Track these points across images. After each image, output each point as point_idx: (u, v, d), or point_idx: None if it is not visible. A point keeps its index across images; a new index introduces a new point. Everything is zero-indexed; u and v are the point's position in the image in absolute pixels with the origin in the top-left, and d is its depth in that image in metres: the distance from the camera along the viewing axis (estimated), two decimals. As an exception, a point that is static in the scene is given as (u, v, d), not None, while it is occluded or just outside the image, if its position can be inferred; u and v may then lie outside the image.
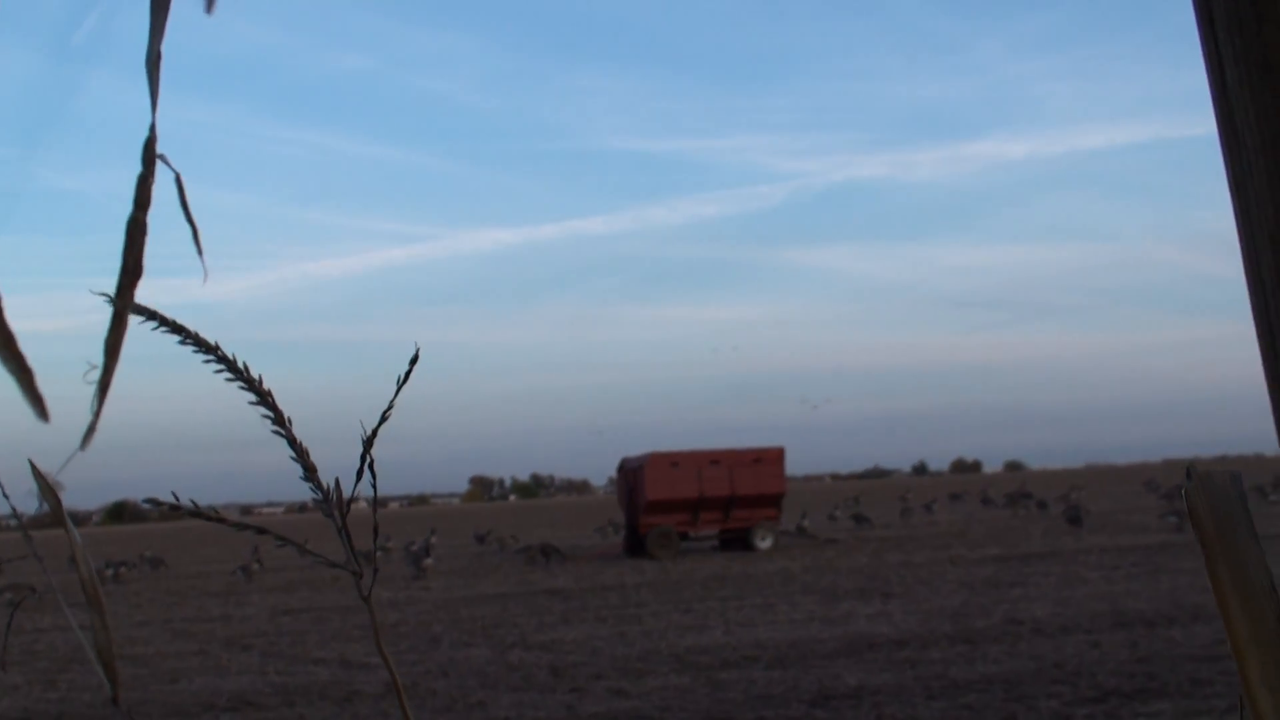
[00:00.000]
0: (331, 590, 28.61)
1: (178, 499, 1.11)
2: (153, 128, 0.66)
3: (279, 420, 1.17)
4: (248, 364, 1.19)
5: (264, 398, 1.18)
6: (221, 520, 1.18)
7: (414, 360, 1.18)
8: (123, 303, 0.62)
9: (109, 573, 37.88)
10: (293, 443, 1.17)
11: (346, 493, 1.17)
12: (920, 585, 21.05)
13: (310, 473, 1.17)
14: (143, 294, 1.19)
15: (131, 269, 0.62)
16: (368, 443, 1.14)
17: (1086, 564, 22.93)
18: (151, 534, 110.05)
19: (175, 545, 71.75)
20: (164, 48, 0.66)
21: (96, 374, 0.63)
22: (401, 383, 1.17)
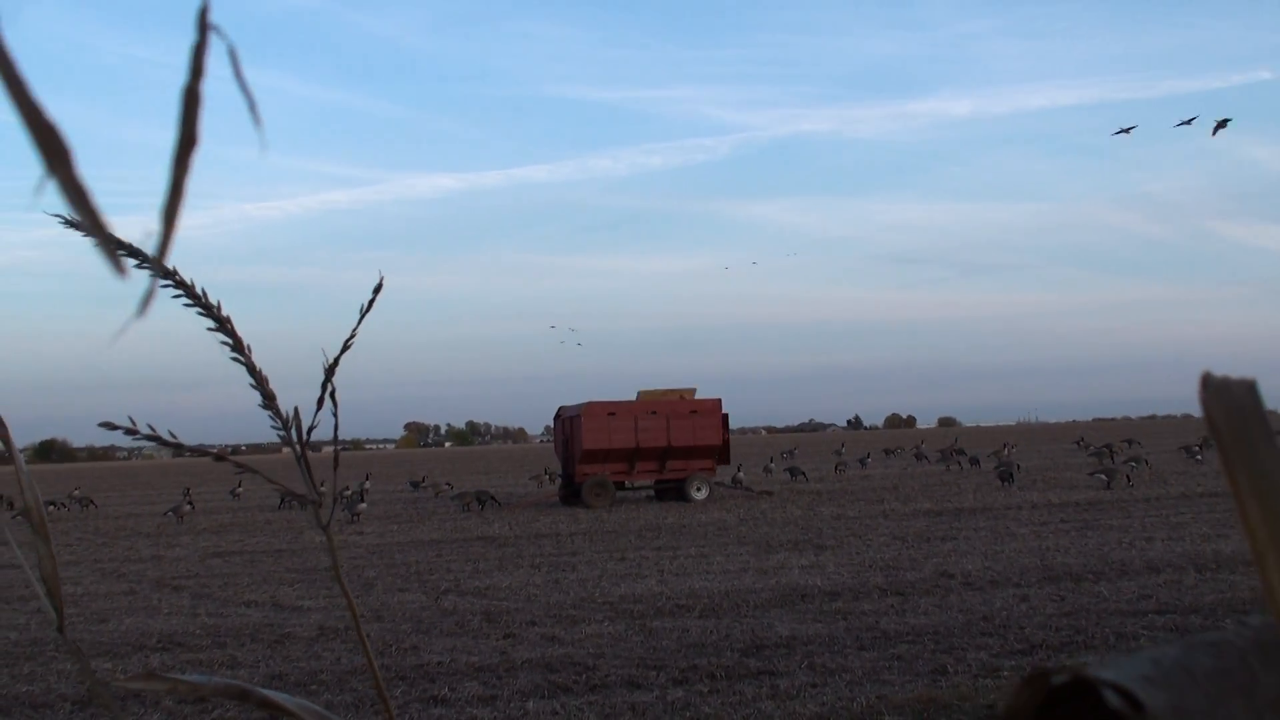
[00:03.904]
0: (263, 533, 28.46)
1: (152, 427, 1.09)
2: None
3: (238, 347, 1.15)
4: (205, 289, 1.16)
5: (222, 324, 1.16)
6: (193, 451, 1.15)
7: (378, 289, 1.16)
8: (180, 171, 0.60)
9: (37, 512, 37.39)
10: (252, 370, 1.15)
11: (305, 421, 1.15)
12: (853, 538, 21.27)
13: (269, 400, 1.15)
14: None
15: (188, 139, 0.60)
16: (329, 370, 1.13)
17: (1017, 519, 23.25)
18: (80, 474, 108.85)
19: (104, 486, 71.07)
20: None
21: (154, 240, 0.61)
22: (365, 310, 1.15)
